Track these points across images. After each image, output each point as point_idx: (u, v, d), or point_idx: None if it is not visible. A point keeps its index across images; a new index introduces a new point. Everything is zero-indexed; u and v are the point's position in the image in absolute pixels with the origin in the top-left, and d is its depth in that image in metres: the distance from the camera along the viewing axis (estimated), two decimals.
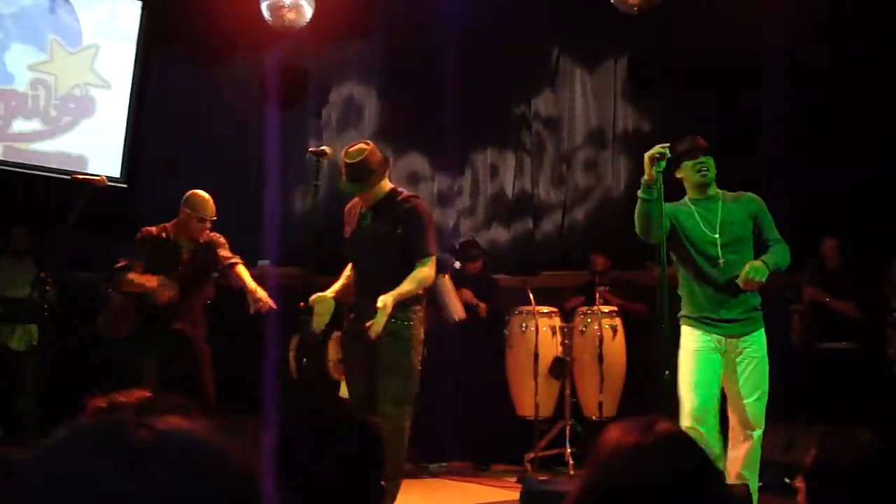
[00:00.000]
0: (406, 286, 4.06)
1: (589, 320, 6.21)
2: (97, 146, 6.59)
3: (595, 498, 1.30)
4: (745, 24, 6.57)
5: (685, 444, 1.32)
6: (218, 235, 5.14)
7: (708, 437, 3.90)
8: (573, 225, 7.52)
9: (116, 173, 6.56)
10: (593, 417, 6.13)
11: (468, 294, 6.38)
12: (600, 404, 6.04)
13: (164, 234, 5.00)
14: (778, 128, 6.59)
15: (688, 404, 3.99)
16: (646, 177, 3.95)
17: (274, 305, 4.81)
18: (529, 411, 6.14)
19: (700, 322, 4.09)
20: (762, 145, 6.58)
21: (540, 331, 6.14)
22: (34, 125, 6.38)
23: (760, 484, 5.22)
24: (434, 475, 6.12)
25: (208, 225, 5.00)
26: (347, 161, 4.15)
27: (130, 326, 5.11)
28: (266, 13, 6.51)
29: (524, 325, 6.28)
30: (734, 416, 4.10)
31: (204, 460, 0.79)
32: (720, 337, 4.05)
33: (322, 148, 4.22)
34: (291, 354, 6.44)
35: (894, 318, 5.68)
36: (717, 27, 6.62)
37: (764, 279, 3.97)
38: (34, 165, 6.31)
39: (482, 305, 6.46)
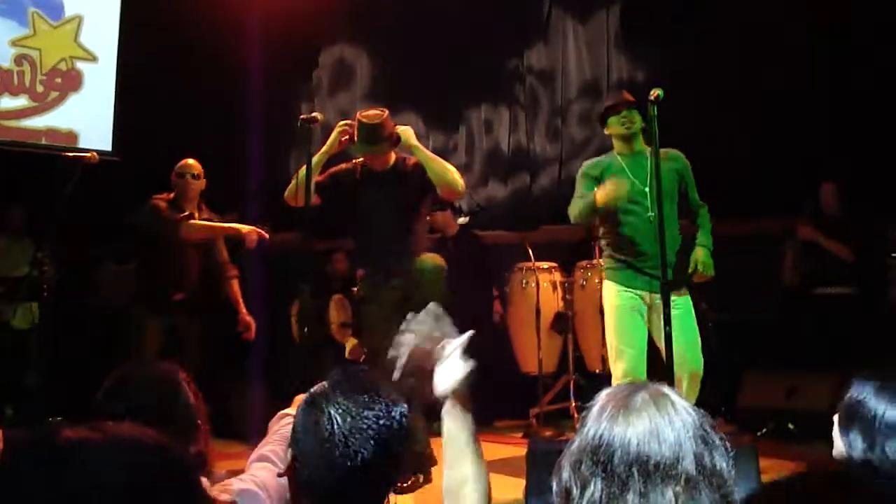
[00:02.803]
0: (438, 160, 4.34)
1: (589, 274, 6.19)
2: (87, 120, 6.51)
3: (583, 455, 1.34)
4: None
5: (665, 406, 1.34)
6: (217, 217, 5.40)
7: None
8: (570, 178, 7.43)
9: (108, 147, 6.49)
10: (597, 371, 6.16)
11: None
12: (603, 357, 6.04)
13: (170, 202, 5.22)
14: (776, 72, 6.53)
15: (619, 364, 4.16)
16: (599, 205, 4.10)
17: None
18: (533, 367, 6.17)
19: (623, 273, 4.18)
20: (760, 90, 6.53)
21: (541, 286, 6.13)
22: (21, 102, 6.29)
23: (764, 430, 5.30)
24: (438, 434, 6.14)
25: (190, 180, 5.23)
26: (364, 122, 4.30)
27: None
28: None
29: (525, 281, 6.28)
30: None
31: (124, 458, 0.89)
32: (643, 293, 4.13)
33: (313, 115, 4.21)
34: (293, 320, 6.47)
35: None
36: None
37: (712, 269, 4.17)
38: (24, 143, 6.24)
39: None
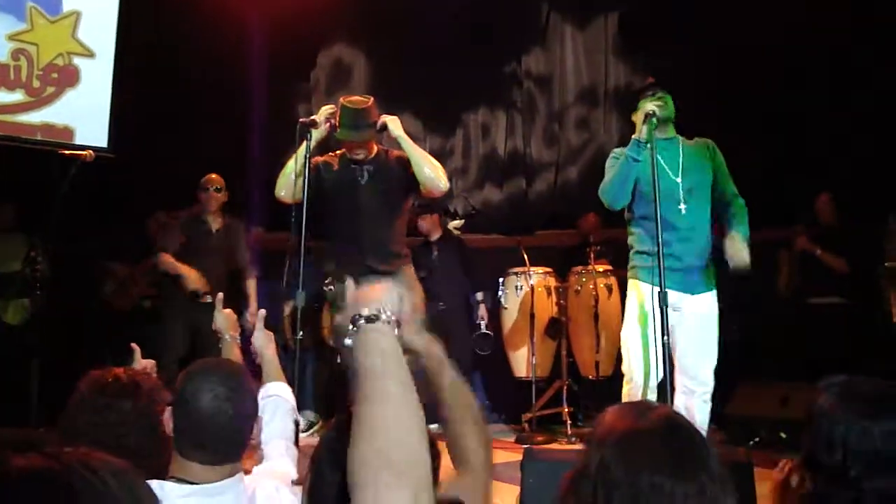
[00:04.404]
0: (423, 154, 4.21)
1: (584, 279, 6.19)
2: (83, 116, 6.46)
3: (590, 481, 1.30)
4: None
5: (680, 428, 1.31)
6: (239, 223, 5.99)
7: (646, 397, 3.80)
8: (566, 183, 7.47)
9: (104, 143, 6.45)
10: (590, 377, 6.16)
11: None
12: (597, 363, 6.06)
13: (191, 214, 5.86)
14: (774, 79, 6.55)
15: (634, 370, 3.89)
16: (638, 135, 3.85)
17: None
18: (526, 372, 6.16)
19: (647, 270, 3.82)
20: (758, 98, 6.54)
21: (535, 291, 6.13)
22: (17, 97, 6.25)
23: (756, 439, 5.30)
24: None
25: (213, 193, 5.82)
26: (348, 106, 4.17)
27: (136, 297, 5.59)
28: None
29: (519, 285, 6.27)
30: (679, 370, 3.90)
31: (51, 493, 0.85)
32: (672, 292, 3.77)
33: (312, 118, 4.17)
34: (286, 322, 6.43)
35: (888, 270, 5.68)
36: None
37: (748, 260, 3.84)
38: (19, 138, 6.21)
39: None
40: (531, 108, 7.60)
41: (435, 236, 6.60)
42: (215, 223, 5.86)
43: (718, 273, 4.04)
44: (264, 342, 2.67)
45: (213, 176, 5.90)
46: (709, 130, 6.40)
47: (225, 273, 5.84)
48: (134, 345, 2.67)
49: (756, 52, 6.54)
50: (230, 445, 1.83)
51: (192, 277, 5.67)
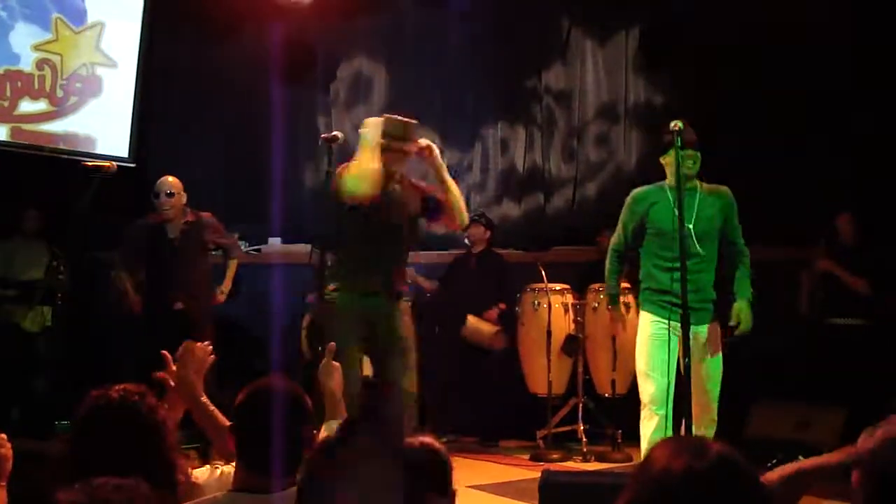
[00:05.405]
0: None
1: (601, 297, 6.14)
2: (105, 126, 6.55)
3: None
4: None
5: (738, 469, 1.29)
6: (207, 216, 5.77)
7: (664, 421, 4.04)
8: (584, 200, 7.46)
9: (125, 153, 6.53)
10: (606, 395, 6.13)
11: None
12: (613, 382, 6.03)
13: (150, 222, 5.67)
14: (794, 98, 6.53)
15: (648, 388, 4.14)
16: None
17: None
18: (542, 389, 6.13)
19: (658, 305, 4.18)
20: (778, 116, 6.53)
21: (552, 308, 6.10)
22: (41, 106, 6.33)
23: (774, 462, 5.24)
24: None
25: (164, 199, 5.54)
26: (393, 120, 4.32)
27: (129, 305, 5.71)
28: None
29: (536, 302, 6.24)
30: (693, 401, 4.00)
31: None
32: (676, 324, 4.01)
33: (334, 133, 4.20)
34: (303, 334, 6.44)
35: None
36: None
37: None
38: (42, 147, 6.28)
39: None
40: (550, 124, 7.59)
41: (478, 248, 6.62)
42: (174, 230, 5.65)
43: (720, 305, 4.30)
44: (326, 374, 2.65)
45: (169, 179, 5.62)
46: (725, 147, 6.42)
47: (194, 278, 5.69)
48: (165, 353, 2.68)
49: (776, 69, 6.52)
50: (288, 463, 1.95)
51: (135, 304, 5.70)
